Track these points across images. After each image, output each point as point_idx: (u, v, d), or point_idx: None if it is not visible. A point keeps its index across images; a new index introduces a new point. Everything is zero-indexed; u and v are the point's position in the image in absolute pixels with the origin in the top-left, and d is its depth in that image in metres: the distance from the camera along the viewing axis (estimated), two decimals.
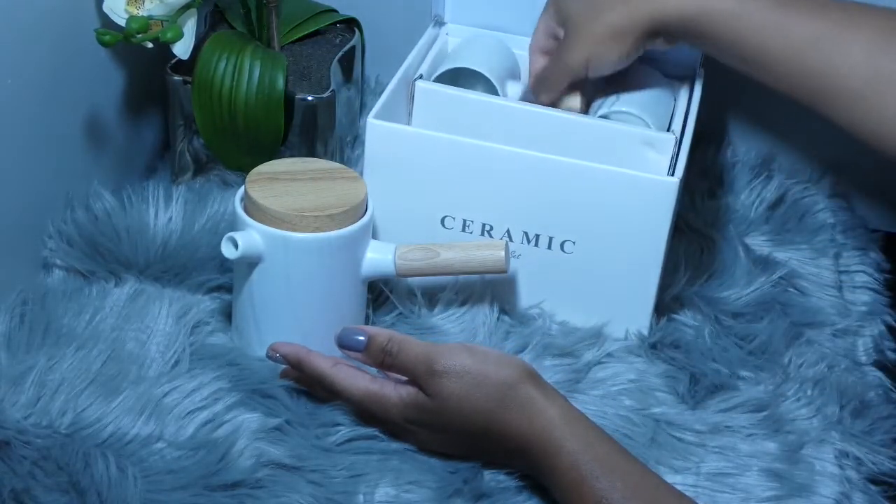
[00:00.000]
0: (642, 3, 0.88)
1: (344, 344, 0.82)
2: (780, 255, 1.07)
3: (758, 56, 0.85)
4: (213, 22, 1.11)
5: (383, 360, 0.80)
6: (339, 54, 1.07)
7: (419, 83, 0.94)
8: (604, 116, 0.94)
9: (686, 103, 0.98)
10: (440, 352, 0.78)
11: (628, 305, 0.94)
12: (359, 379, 0.81)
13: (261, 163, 0.90)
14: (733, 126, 1.21)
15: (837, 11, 0.84)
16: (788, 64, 0.84)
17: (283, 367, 0.86)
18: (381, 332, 0.81)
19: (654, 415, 0.87)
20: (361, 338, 0.81)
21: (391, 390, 0.80)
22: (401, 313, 0.94)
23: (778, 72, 0.85)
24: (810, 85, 0.84)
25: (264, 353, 0.88)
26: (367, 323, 0.92)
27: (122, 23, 0.93)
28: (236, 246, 0.84)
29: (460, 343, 0.84)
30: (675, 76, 0.91)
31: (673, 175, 0.90)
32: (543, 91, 0.96)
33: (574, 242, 0.92)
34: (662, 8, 0.87)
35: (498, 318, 0.94)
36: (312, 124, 1.02)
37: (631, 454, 0.76)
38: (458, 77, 0.98)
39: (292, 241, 0.85)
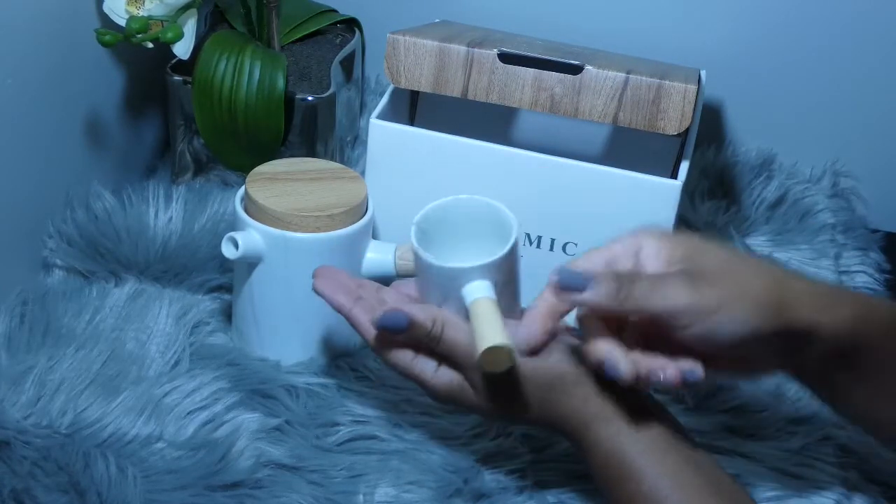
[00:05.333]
0: (785, 304, 0.68)
1: (385, 326, 0.73)
2: (781, 255, 1.07)
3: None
4: (213, 22, 1.11)
5: (428, 345, 0.73)
6: (340, 54, 1.07)
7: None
8: None
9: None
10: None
11: None
12: (398, 356, 0.74)
13: (261, 163, 0.90)
14: (733, 126, 1.21)
15: None
16: None
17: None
18: (423, 317, 0.72)
19: None
20: (403, 321, 0.72)
21: (429, 377, 0.74)
22: None
23: None
24: None
25: (264, 353, 0.88)
26: None
27: (122, 23, 0.93)
28: (236, 246, 0.84)
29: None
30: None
31: (675, 177, 0.90)
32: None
33: (576, 244, 0.92)
34: (811, 313, 0.69)
35: None
36: (312, 124, 1.02)
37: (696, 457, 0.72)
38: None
39: (292, 241, 0.85)
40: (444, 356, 0.74)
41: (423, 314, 0.73)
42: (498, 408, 0.74)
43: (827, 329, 0.70)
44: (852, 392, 0.74)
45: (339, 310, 0.77)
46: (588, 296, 0.66)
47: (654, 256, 0.70)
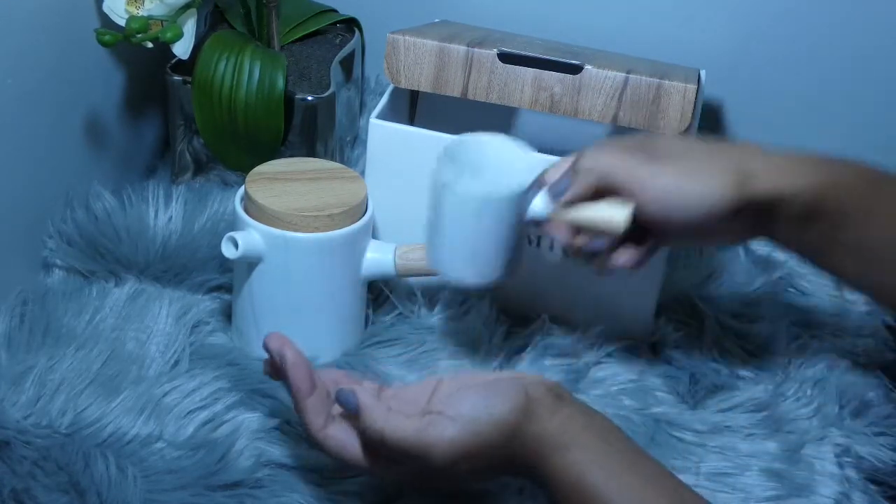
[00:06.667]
0: (747, 178, 0.75)
1: (340, 402, 0.74)
2: (780, 255, 1.07)
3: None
4: (213, 22, 1.11)
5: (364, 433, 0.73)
6: (339, 54, 1.07)
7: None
8: None
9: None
10: (429, 442, 0.70)
11: (629, 305, 0.94)
12: (346, 450, 0.73)
13: (261, 163, 0.90)
14: (733, 126, 1.21)
15: None
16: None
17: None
18: (367, 412, 0.72)
19: (654, 415, 0.87)
20: (353, 404, 0.72)
21: (381, 468, 0.73)
22: (401, 313, 0.94)
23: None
24: None
25: (264, 353, 0.88)
26: (366, 323, 0.92)
27: (122, 23, 0.93)
28: (236, 246, 0.84)
29: (448, 406, 0.72)
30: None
31: None
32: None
33: None
34: (774, 185, 0.75)
35: (498, 318, 0.94)
36: (312, 124, 1.02)
37: (649, 466, 0.71)
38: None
39: (292, 241, 0.85)
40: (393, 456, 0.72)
41: (366, 408, 0.72)
42: (462, 480, 0.73)
43: (789, 195, 0.75)
44: (834, 254, 0.78)
45: (296, 391, 0.74)
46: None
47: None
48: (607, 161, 0.77)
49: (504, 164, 0.81)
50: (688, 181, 0.75)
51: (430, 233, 0.82)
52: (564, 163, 0.81)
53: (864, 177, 0.79)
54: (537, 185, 0.79)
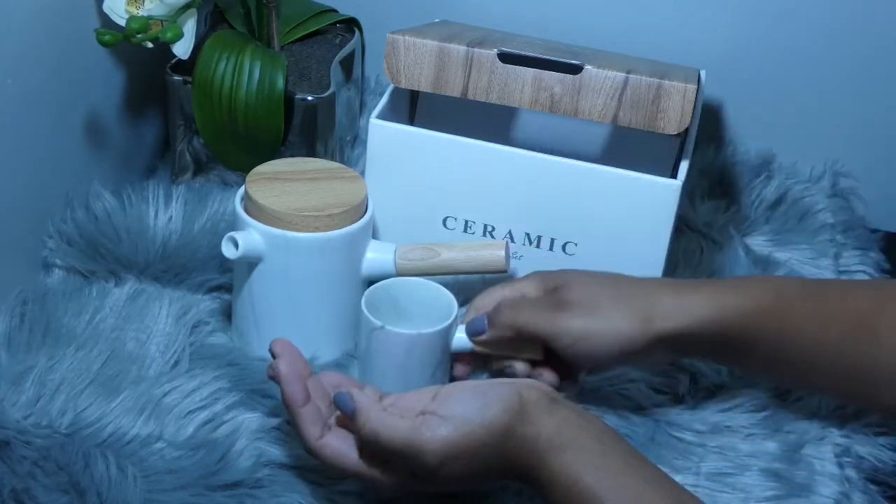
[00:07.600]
0: (652, 320, 0.80)
1: (337, 404, 0.75)
2: (780, 255, 1.07)
3: (799, 354, 0.80)
4: (213, 22, 1.11)
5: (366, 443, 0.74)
6: (339, 54, 1.07)
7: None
8: None
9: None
10: (423, 440, 0.71)
11: None
12: (345, 458, 0.74)
13: (261, 163, 0.90)
14: (733, 126, 1.21)
15: (870, 289, 0.83)
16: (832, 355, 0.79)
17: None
18: (363, 412, 0.73)
19: (654, 415, 0.87)
20: (350, 407, 0.74)
21: (378, 474, 0.74)
22: None
23: (820, 367, 0.80)
24: (855, 374, 0.79)
25: (264, 353, 0.88)
26: None
27: (122, 23, 0.93)
28: (236, 246, 0.84)
29: (442, 407, 0.73)
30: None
31: (675, 177, 0.90)
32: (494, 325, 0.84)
33: (576, 244, 0.92)
34: (678, 324, 0.80)
35: None
36: (312, 124, 1.02)
37: (641, 467, 0.71)
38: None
39: (292, 241, 0.85)
40: (387, 457, 0.73)
41: (361, 410, 0.73)
42: (458, 482, 0.74)
43: (692, 332, 0.80)
44: (752, 369, 0.86)
45: (289, 402, 0.76)
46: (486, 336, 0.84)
47: (533, 293, 0.84)
48: (523, 319, 0.82)
49: (425, 302, 0.87)
50: (596, 329, 0.80)
51: (361, 371, 0.87)
52: (487, 295, 0.86)
53: (774, 299, 0.81)
54: (459, 319, 0.86)
